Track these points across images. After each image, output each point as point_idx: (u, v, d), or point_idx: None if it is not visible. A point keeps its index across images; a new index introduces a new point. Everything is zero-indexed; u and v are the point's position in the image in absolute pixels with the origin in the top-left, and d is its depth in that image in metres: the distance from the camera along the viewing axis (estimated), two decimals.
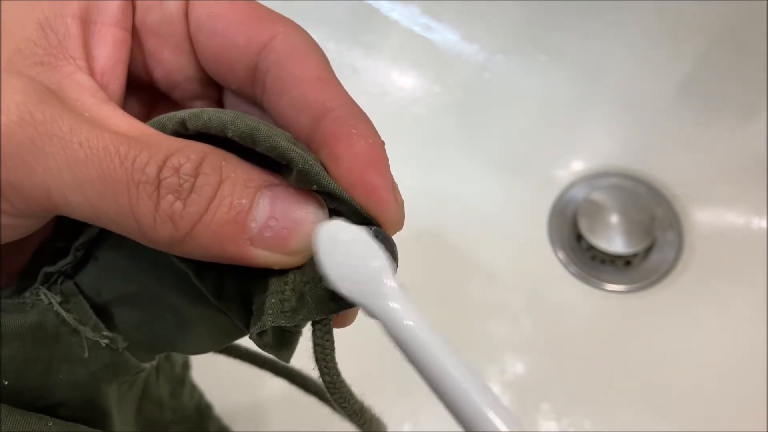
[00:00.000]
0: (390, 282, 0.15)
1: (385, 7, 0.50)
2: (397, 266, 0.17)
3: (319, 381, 0.18)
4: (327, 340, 0.17)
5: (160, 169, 0.15)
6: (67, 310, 0.18)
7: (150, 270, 0.19)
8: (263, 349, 0.18)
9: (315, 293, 0.17)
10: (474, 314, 0.45)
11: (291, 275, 0.17)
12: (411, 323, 0.15)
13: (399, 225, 0.17)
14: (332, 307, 0.17)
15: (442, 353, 0.15)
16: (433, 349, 0.15)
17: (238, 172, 0.16)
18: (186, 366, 0.28)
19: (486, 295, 0.46)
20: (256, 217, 0.16)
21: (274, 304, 0.17)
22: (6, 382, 0.18)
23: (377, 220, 0.17)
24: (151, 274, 0.19)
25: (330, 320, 0.17)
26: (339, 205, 0.17)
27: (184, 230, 0.15)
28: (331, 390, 0.18)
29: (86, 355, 0.18)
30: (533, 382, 0.43)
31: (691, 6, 0.46)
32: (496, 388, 0.43)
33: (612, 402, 0.42)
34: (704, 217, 0.46)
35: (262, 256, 0.16)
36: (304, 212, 0.16)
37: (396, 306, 0.15)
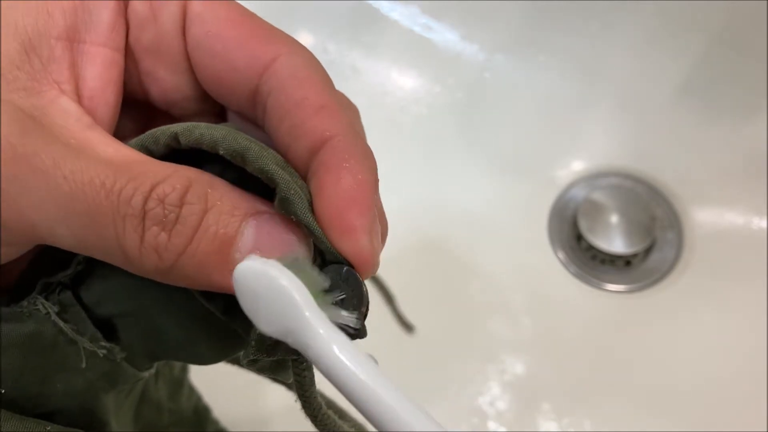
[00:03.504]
0: (306, 314, 0.14)
1: (385, 7, 0.50)
2: (367, 308, 0.16)
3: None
4: (305, 377, 0.17)
5: (146, 200, 0.15)
6: (65, 320, 0.18)
7: (155, 285, 0.19)
8: (260, 374, 0.18)
9: None
10: (474, 314, 0.45)
11: None
12: (338, 353, 0.14)
13: (369, 269, 0.16)
14: None
15: (375, 382, 0.14)
16: (365, 377, 0.14)
17: (224, 200, 0.16)
18: (184, 368, 0.28)
19: (486, 295, 0.46)
20: (240, 247, 0.15)
21: (258, 336, 0.16)
22: (3, 391, 0.18)
23: (349, 262, 0.16)
24: (157, 288, 0.18)
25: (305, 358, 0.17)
26: (315, 240, 0.16)
27: (169, 261, 0.15)
28: (314, 422, 0.18)
29: (83, 364, 0.18)
30: (533, 382, 0.43)
31: (691, 6, 0.46)
32: (496, 388, 0.43)
33: (612, 402, 0.42)
34: (704, 217, 0.46)
35: None
36: (287, 245, 0.16)
37: (315, 338, 0.14)
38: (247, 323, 0.17)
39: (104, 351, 0.19)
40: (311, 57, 0.18)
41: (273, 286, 0.15)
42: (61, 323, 0.18)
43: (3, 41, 0.16)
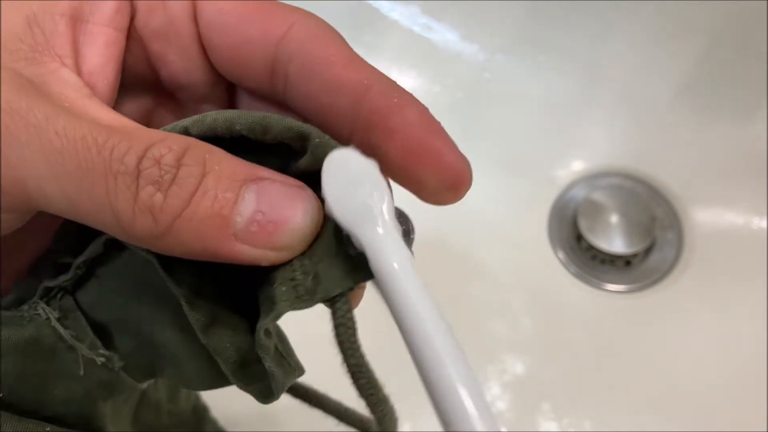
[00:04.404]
0: (387, 216, 0.15)
1: (385, 7, 0.50)
2: (413, 238, 0.16)
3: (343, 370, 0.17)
4: (349, 319, 0.16)
5: (140, 160, 0.15)
6: (65, 326, 0.18)
7: (150, 301, 0.18)
8: (262, 360, 0.18)
9: (332, 270, 0.16)
10: (474, 314, 0.45)
11: (297, 262, 0.16)
12: (396, 266, 0.15)
13: (469, 179, 0.17)
14: (351, 281, 0.16)
15: (423, 307, 0.14)
16: (413, 299, 0.14)
17: (222, 164, 0.15)
18: None
19: (486, 295, 0.46)
20: (241, 211, 0.15)
21: (285, 292, 0.16)
22: (0, 395, 0.18)
23: (447, 184, 0.16)
24: (151, 305, 0.18)
25: (349, 298, 0.16)
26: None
27: (165, 224, 0.15)
28: (357, 375, 0.17)
29: (81, 372, 0.18)
30: (533, 382, 0.43)
31: (692, 6, 0.46)
32: (496, 388, 0.43)
33: (612, 402, 0.42)
34: (704, 217, 0.46)
35: (247, 252, 0.15)
36: (292, 207, 0.16)
37: (385, 241, 0.15)
38: (225, 349, 0.17)
39: (102, 359, 0.18)
40: (324, 21, 0.18)
41: (369, 182, 0.15)
42: (61, 329, 0.18)
43: (8, 16, 0.16)
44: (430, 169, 0.16)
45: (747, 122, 0.46)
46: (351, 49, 0.18)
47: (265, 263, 0.16)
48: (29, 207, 0.16)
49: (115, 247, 0.18)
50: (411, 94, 0.17)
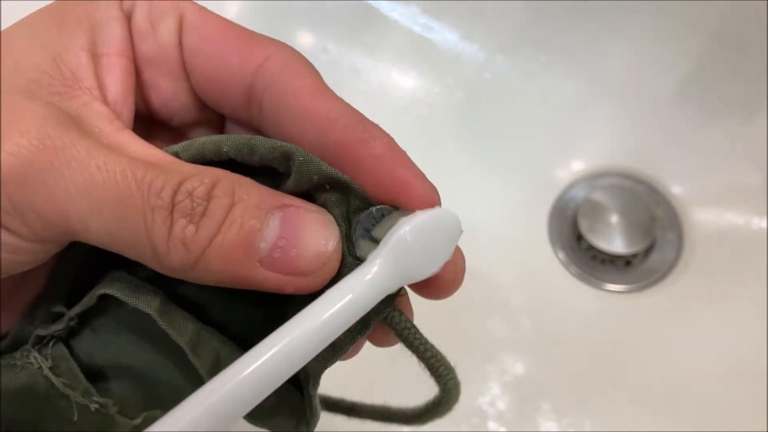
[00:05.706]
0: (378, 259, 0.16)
1: (385, 7, 0.50)
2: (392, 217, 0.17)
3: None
4: (406, 321, 0.18)
5: (175, 193, 0.15)
6: (57, 374, 0.18)
7: (148, 347, 0.19)
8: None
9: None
10: (474, 314, 0.45)
11: None
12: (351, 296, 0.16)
13: (439, 204, 0.18)
14: (388, 300, 0.17)
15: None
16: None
17: (251, 194, 0.16)
18: None
19: (486, 295, 0.46)
20: (265, 237, 0.16)
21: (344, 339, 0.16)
22: None
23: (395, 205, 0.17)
24: (149, 350, 0.19)
25: (394, 309, 0.17)
26: (343, 193, 0.17)
27: (196, 254, 0.16)
28: (425, 352, 0.18)
29: (75, 418, 0.18)
30: (533, 382, 0.43)
31: (691, 6, 0.46)
32: (496, 388, 0.43)
33: (612, 402, 0.42)
34: (704, 217, 0.46)
35: (273, 278, 0.16)
36: (314, 232, 0.16)
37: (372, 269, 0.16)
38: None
39: (96, 405, 0.18)
40: (300, 55, 0.19)
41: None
42: (53, 378, 0.18)
43: (33, 55, 0.17)
44: (400, 198, 0.17)
45: (747, 122, 0.46)
46: (321, 82, 0.18)
47: (291, 290, 0.16)
48: (68, 238, 0.16)
49: (108, 299, 0.18)
50: (377, 126, 0.18)
